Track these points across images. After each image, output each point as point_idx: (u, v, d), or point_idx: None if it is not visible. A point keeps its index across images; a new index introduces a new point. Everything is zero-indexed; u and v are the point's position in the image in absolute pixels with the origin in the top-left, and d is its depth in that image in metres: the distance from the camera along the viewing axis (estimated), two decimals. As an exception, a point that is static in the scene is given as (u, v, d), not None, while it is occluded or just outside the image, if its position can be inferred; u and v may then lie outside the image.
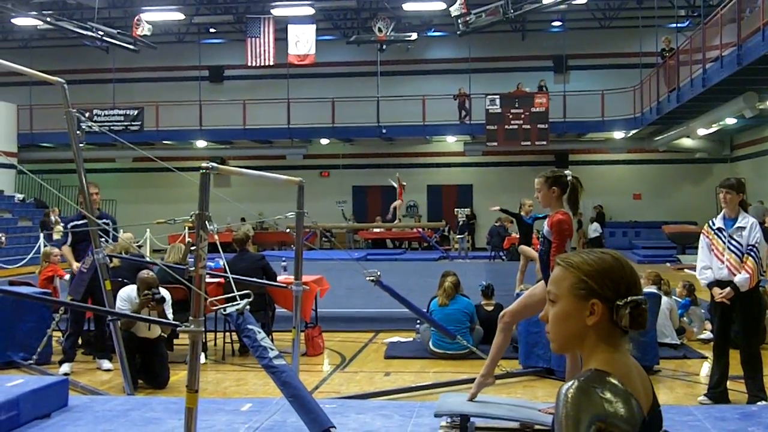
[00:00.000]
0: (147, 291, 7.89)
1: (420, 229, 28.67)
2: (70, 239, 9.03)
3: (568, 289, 2.00)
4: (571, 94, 29.19)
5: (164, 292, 8.26)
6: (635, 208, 30.86)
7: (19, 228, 26.06)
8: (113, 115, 29.58)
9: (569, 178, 5.72)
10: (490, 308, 10.04)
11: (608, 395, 1.84)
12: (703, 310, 10.51)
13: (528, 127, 27.38)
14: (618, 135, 29.25)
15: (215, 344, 9.77)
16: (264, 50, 28.08)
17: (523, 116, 27.46)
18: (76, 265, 8.97)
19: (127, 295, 8.08)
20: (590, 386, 1.86)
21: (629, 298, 1.95)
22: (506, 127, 27.44)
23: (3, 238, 22.71)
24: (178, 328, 4.36)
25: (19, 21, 28.03)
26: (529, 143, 27.68)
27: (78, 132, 7.03)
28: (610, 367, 1.92)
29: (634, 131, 28.31)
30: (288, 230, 7.96)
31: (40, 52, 31.14)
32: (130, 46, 28.73)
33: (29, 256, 21.60)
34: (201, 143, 31.07)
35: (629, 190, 31.15)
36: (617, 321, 1.95)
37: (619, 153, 30.60)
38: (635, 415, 1.85)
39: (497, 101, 27.56)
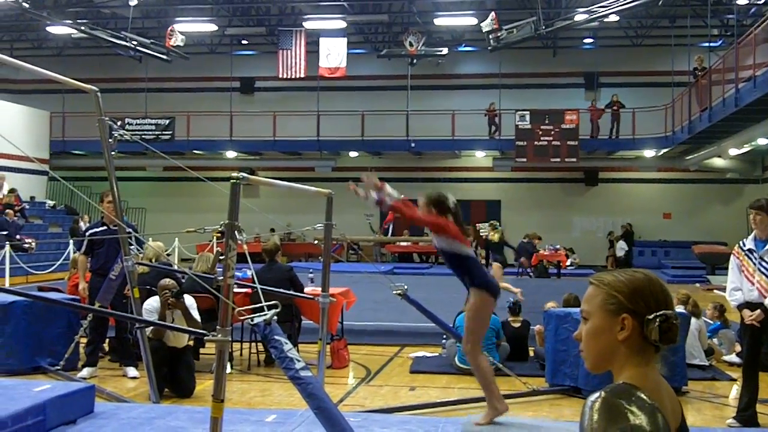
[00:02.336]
0: (165, 290, 7.96)
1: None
2: (85, 246, 9.11)
3: (599, 305, 2.04)
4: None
5: (190, 299, 8.29)
6: (665, 228, 30.61)
7: (49, 234, 26.30)
8: (145, 124, 29.85)
9: (451, 204, 5.93)
10: (517, 325, 10.00)
11: (634, 408, 1.84)
12: (733, 332, 10.39)
13: (558, 143, 27.29)
14: (649, 153, 29.05)
15: (241, 354, 9.79)
16: (295, 62, 28.22)
17: (553, 132, 27.38)
18: (83, 285, 9.06)
19: (152, 307, 8.12)
20: (617, 398, 1.87)
21: (659, 312, 1.97)
22: (536, 143, 27.37)
23: (33, 244, 22.97)
24: (206, 337, 4.36)
25: (54, 29, 28.37)
26: (558, 160, 27.57)
27: (110, 140, 7.09)
28: (639, 382, 1.94)
29: (665, 150, 28.10)
30: (316, 242, 8.03)
31: (74, 60, 31.53)
32: (163, 56, 29.01)
33: (58, 263, 21.77)
34: (231, 154, 31.25)
35: (659, 209, 30.91)
36: (647, 335, 1.97)
37: (650, 171, 30.37)
38: (660, 429, 1.85)
39: (527, 117, 27.50)
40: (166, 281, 8.10)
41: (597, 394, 1.88)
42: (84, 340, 9.04)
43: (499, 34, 24.75)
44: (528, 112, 27.64)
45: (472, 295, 5.70)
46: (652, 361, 2.00)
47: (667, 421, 1.88)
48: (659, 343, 1.98)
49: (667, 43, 28.30)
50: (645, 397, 1.88)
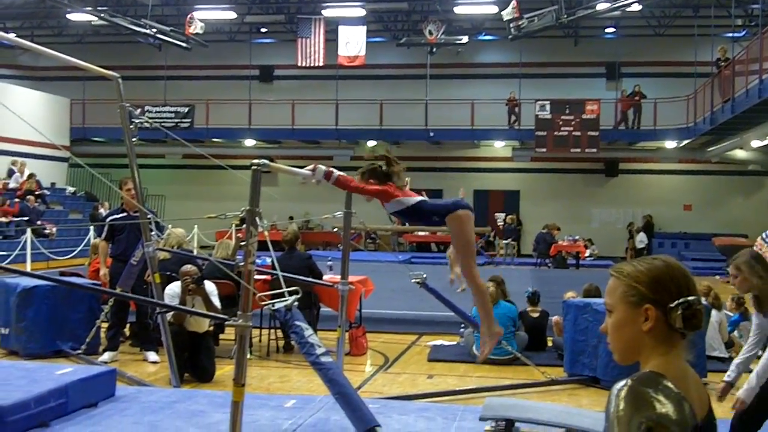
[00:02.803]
0: (186, 276, 8.00)
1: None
2: (106, 232, 9.16)
3: (620, 297, 2.02)
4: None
5: (211, 285, 8.32)
6: (685, 219, 30.42)
7: (69, 220, 26.48)
8: (164, 111, 29.91)
9: (385, 168, 5.74)
10: (535, 315, 9.98)
11: (660, 397, 1.83)
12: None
13: (578, 133, 27.14)
14: (670, 144, 28.85)
15: (260, 341, 9.83)
16: (314, 51, 28.20)
17: (573, 123, 27.24)
18: (104, 270, 9.12)
19: (173, 292, 8.16)
20: (643, 387, 1.86)
21: (681, 299, 1.95)
22: (556, 133, 27.22)
23: (53, 230, 23.15)
24: (227, 322, 4.38)
25: (74, 16, 28.46)
26: (578, 150, 27.43)
27: (131, 126, 7.12)
28: (665, 370, 1.93)
29: (686, 141, 27.89)
30: (335, 230, 8.05)
31: (94, 48, 31.59)
32: (183, 44, 29.07)
33: (79, 249, 21.93)
34: (250, 142, 31.29)
35: (679, 201, 30.70)
36: (671, 323, 1.95)
37: (671, 163, 30.17)
38: (687, 418, 1.83)
39: (547, 107, 27.37)
40: (188, 267, 8.15)
41: (623, 383, 1.87)
42: (105, 325, 9.11)
43: (519, 23, 24.64)
44: (548, 102, 27.51)
45: (451, 224, 5.59)
46: (678, 348, 1.99)
47: (693, 409, 1.86)
48: (684, 331, 1.97)
49: (690, 33, 28.08)
50: (671, 386, 1.87)
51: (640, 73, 30.15)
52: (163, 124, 27.67)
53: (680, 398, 1.85)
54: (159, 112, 29.74)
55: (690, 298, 1.97)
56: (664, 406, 1.82)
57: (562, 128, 27.26)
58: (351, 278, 7.67)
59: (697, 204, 30.53)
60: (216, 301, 8.23)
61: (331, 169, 5.55)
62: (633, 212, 30.42)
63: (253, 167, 4.51)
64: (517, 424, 5.08)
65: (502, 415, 5.07)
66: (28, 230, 20.71)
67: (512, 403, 5.70)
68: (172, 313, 7.63)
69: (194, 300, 8.07)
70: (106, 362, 8.45)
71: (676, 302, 1.95)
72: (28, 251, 20.23)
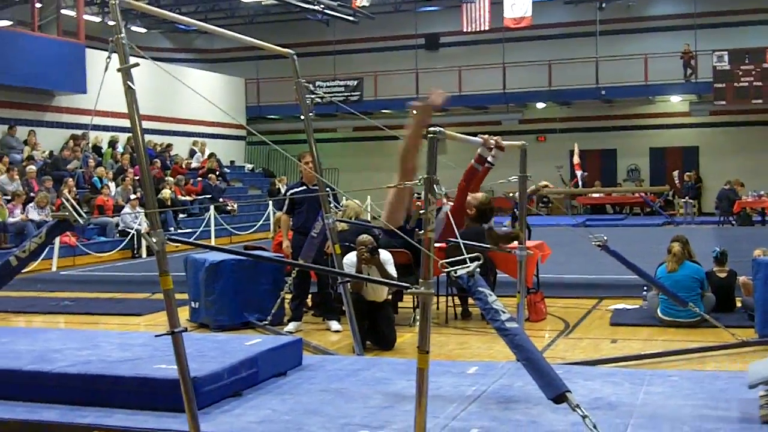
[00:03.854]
0: (361, 246, 8.12)
1: (642, 194, 27.75)
2: (287, 206, 9.42)
3: None
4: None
5: (386, 255, 8.43)
6: None
7: (249, 196, 27.56)
8: (334, 86, 30.52)
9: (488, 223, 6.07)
10: (723, 275, 9.55)
11: None
12: None
13: (760, 84, 25.71)
14: None
15: (437, 308, 9.88)
16: (479, 15, 27.94)
17: (753, 73, 25.82)
18: (286, 242, 9.37)
19: (351, 261, 8.30)
20: None
21: None
22: (735, 84, 25.93)
23: (234, 206, 24.17)
24: (409, 290, 4.42)
25: (246, -2, 29.47)
26: (760, 101, 26.01)
27: (307, 102, 7.30)
28: None
29: None
30: (511, 195, 7.99)
31: (264, 27, 32.49)
32: (350, 18, 29.47)
33: (259, 224, 22.82)
34: (417, 111, 31.40)
35: None
36: None
37: None
38: None
39: (725, 57, 26.05)
40: (363, 237, 8.27)
41: None
42: (289, 296, 9.41)
43: (694, -29, 23.50)
44: (726, 53, 26.18)
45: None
46: None
47: None
48: None
49: None
50: None
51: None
52: (334, 98, 28.28)
53: None
54: (329, 87, 30.36)
55: None
56: None
57: (742, 79, 25.96)
58: (527, 243, 7.58)
59: None
60: (392, 270, 8.32)
61: (484, 158, 5.95)
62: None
63: (429, 135, 4.51)
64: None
65: (768, 376, 4.75)
66: (211, 207, 21.75)
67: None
68: (350, 282, 7.78)
69: (370, 269, 8.20)
70: (291, 332, 8.72)
71: None
72: (212, 227, 21.25)
